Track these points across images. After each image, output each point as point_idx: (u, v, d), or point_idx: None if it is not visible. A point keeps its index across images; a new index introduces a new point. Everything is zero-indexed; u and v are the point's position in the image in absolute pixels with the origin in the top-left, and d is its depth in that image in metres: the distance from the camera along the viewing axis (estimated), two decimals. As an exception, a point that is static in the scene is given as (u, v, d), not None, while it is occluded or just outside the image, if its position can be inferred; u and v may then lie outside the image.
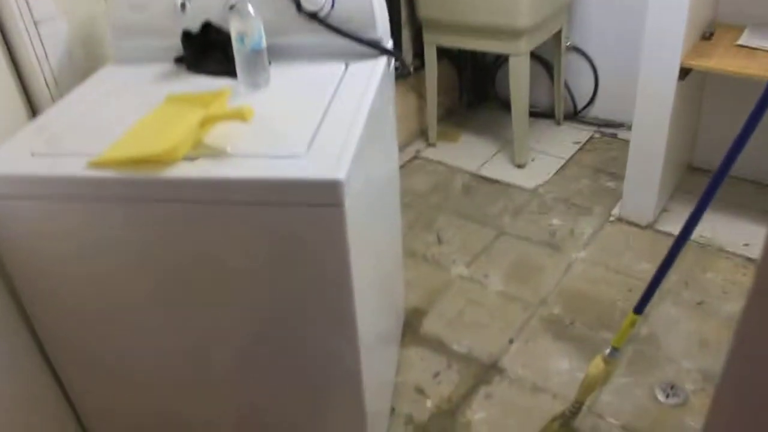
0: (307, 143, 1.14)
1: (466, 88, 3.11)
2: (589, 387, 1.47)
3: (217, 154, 1.14)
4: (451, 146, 2.93)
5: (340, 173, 1.06)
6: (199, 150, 1.14)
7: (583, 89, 2.98)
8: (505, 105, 2.93)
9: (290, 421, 1.41)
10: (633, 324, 1.41)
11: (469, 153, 2.87)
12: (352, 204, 1.10)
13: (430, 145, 2.94)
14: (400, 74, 2.63)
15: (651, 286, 1.37)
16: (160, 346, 1.32)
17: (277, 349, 1.29)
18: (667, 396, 1.78)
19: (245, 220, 1.13)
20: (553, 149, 2.85)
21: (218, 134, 1.19)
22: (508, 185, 2.65)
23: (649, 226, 2.36)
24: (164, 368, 1.35)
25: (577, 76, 2.98)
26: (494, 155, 2.85)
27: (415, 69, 2.77)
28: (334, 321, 1.22)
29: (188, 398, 1.40)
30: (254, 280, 1.20)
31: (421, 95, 2.84)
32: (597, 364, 1.47)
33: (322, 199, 1.08)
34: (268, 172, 1.09)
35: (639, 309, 1.40)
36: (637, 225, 2.38)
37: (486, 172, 2.73)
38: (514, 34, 2.46)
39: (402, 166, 2.80)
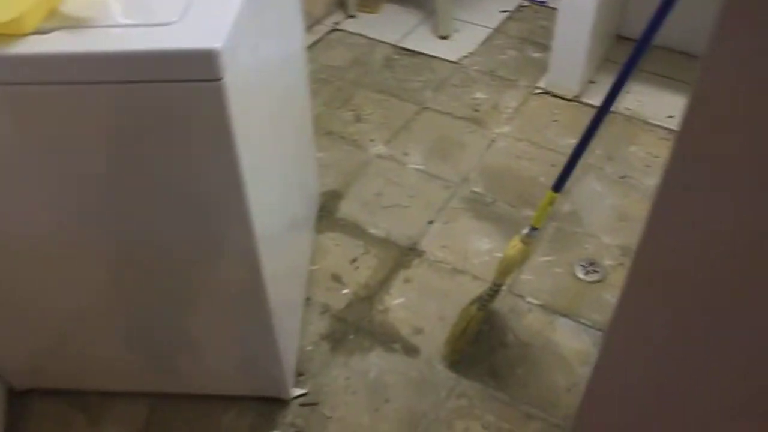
0: (181, 10, 0.97)
1: None
2: (508, 268, 1.41)
3: (74, 24, 0.96)
4: (371, 17, 2.73)
5: (216, 42, 0.91)
6: (53, 20, 0.96)
7: (511, -48, 2.79)
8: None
9: (189, 323, 1.32)
10: (552, 202, 1.34)
11: (391, 24, 2.68)
12: (235, 79, 0.96)
13: (349, 16, 2.72)
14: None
15: (569, 163, 1.29)
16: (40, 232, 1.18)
17: (166, 250, 1.17)
18: (587, 273, 1.75)
19: (112, 102, 0.97)
20: (478, 18, 2.69)
21: (76, 1, 1.00)
22: (430, 58, 2.49)
23: (575, 99, 2.28)
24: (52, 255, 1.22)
25: (504, -62, 2.78)
26: (417, 26, 2.67)
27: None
28: (225, 213, 1.10)
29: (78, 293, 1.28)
30: (129, 172, 1.05)
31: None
32: (515, 245, 1.40)
33: (196, 73, 0.93)
34: (135, 45, 0.93)
35: (557, 187, 1.32)
36: (562, 98, 2.29)
37: (408, 44, 2.56)
38: None
39: (319, 40, 2.60)
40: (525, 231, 1.39)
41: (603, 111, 1.18)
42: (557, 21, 2.15)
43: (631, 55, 1.13)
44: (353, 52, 2.53)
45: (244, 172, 1.03)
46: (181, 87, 0.93)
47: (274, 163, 1.32)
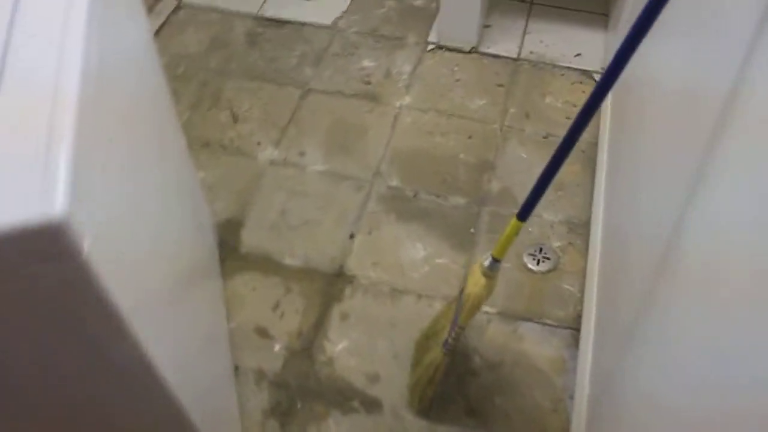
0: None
1: None
2: (473, 309, 1.19)
3: None
4: (217, -19, 2.33)
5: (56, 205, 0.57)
6: None
7: None
8: None
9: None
10: (517, 232, 1.11)
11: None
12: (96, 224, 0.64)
13: (191, -14, 2.31)
14: None
15: (537, 187, 1.05)
16: None
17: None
18: (538, 262, 1.57)
19: None
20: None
21: None
22: (301, 25, 2.15)
23: (474, 50, 2.03)
24: None
25: None
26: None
27: None
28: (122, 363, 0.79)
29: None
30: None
31: None
32: (477, 281, 1.17)
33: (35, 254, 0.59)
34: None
35: (523, 215, 1.09)
36: (459, 50, 2.03)
37: (270, 11, 2.19)
38: None
39: (164, 24, 2.18)
40: (486, 263, 1.16)
41: (592, 106, 0.92)
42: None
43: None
44: (208, 32, 2.14)
45: (130, 319, 0.72)
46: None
47: (158, 245, 1.00)
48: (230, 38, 2.11)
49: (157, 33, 2.13)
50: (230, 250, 1.60)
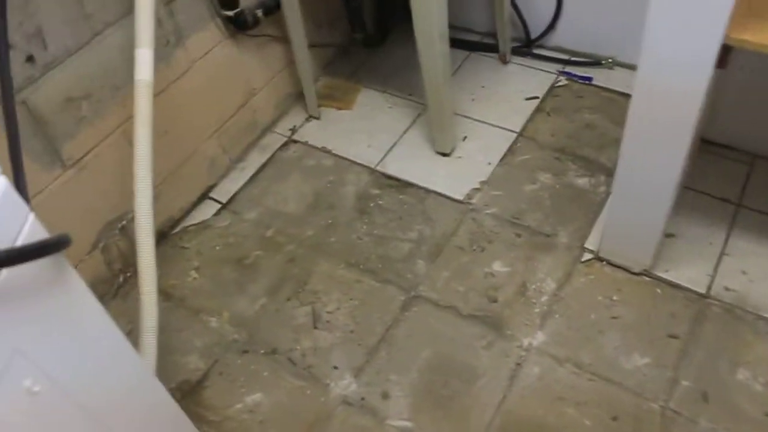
0: None
1: (358, 16, 2.01)
2: None
3: None
4: (341, 117, 1.93)
5: None
6: None
7: (540, 6, 1.94)
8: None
9: None
10: None
11: (369, 129, 1.88)
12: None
13: (311, 117, 1.94)
14: (243, 25, 1.63)
15: None
16: None
17: None
18: None
19: None
20: (495, 112, 1.87)
21: None
22: (425, 192, 1.71)
23: (646, 272, 1.49)
24: None
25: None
26: (407, 130, 1.87)
27: (267, 10, 1.71)
28: None
29: None
30: None
31: (287, 41, 1.81)
32: None
33: None
34: None
35: None
36: (626, 269, 1.50)
37: (393, 167, 1.78)
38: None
39: (268, 162, 1.84)
40: None
41: None
42: (629, 122, 1.24)
43: None
44: (314, 185, 1.76)
45: None
46: None
47: None
48: (338, 198, 1.72)
49: (257, 174, 1.80)
50: None
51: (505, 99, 1.90)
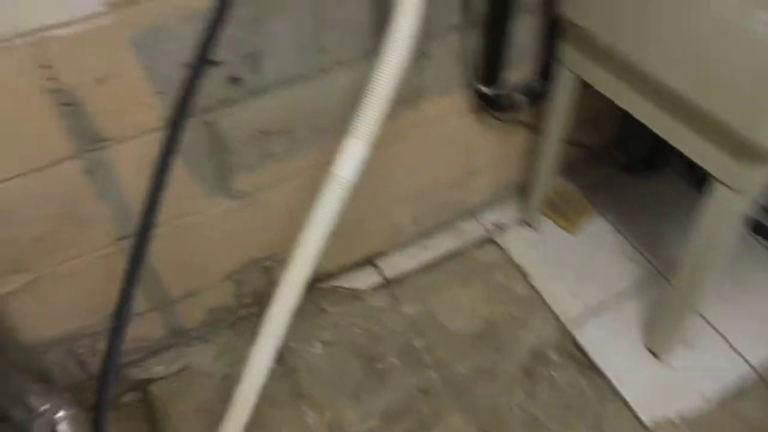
0: None
1: (630, 132, 1.64)
2: None
3: None
4: (556, 238, 1.61)
5: None
6: None
7: None
8: (697, 181, 1.55)
9: None
10: None
11: (580, 270, 1.54)
12: None
13: (524, 222, 1.63)
14: (497, 106, 1.35)
15: None
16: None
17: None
18: None
19: None
20: (741, 328, 1.46)
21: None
22: (610, 391, 1.37)
23: None
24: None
25: None
26: (622, 294, 1.52)
27: (532, 98, 1.40)
28: None
29: None
30: None
31: (536, 130, 1.50)
32: None
33: None
34: None
35: None
36: None
37: (587, 333, 1.45)
38: (749, 150, 1.03)
39: (459, 252, 1.56)
40: None
41: None
42: None
43: None
44: (493, 310, 1.47)
45: None
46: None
47: None
48: (511, 342, 1.43)
49: (438, 262, 1.53)
50: None
51: (764, 316, 1.49)
